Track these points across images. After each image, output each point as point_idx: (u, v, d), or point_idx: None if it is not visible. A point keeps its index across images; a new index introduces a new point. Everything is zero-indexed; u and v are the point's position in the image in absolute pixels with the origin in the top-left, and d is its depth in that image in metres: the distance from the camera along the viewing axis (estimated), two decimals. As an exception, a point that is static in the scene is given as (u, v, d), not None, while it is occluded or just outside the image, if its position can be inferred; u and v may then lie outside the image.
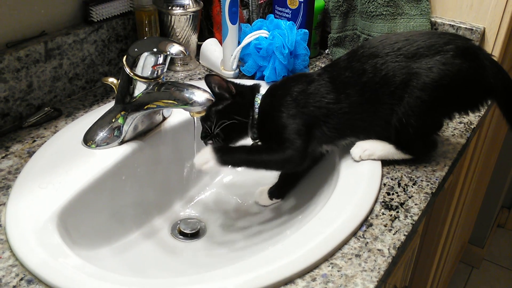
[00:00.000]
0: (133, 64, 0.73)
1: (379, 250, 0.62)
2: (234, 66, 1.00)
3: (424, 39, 0.72)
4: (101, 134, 0.76)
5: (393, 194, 0.72)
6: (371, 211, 0.68)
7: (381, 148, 0.76)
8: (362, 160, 0.75)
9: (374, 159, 0.75)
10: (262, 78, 0.97)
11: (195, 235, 0.81)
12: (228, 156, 0.69)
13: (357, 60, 0.73)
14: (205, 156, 0.68)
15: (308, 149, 0.73)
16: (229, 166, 0.73)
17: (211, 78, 0.74)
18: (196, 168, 0.68)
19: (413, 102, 0.71)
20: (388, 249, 0.62)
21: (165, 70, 0.75)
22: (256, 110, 0.75)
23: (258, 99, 0.76)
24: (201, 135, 0.76)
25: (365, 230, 0.65)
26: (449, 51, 0.71)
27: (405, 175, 0.76)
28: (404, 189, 0.73)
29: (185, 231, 0.81)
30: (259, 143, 0.77)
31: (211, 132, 0.74)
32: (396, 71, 0.71)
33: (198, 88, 0.72)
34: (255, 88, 0.78)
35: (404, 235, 0.65)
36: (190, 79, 1.01)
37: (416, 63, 0.71)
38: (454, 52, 0.71)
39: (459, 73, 0.71)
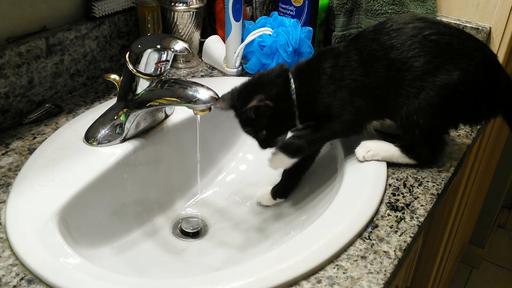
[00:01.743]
0: (136, 61, 0.72)
1: (385, 251, 0.61)
2: (237, 64, 0.99)
3: (457, 36, 0.70)
4: (103, 132, 0.75)
5: (398, 195, 0.71)
6: (377, 212, 0.67)
7: (385, 149, 0.75)
8: (366, 160, 0.74)
9: (378, 160, 0.74)
10: (265, 76, 0.96)
11: (196, 234, 0.80)
12: (295, 148, 0.72)
13: (385, 33, 0.70)
14: (279, 157, 0.73)
15: (355, 120, 0.72)
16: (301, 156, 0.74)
17: (247, 110, 0.69)
18: (275, 169, 0.75)
19: (429, 101, 0.69)
20: (394, 250, 0.61)
21: (168, 67, 0.74)
22: (294, 98, 0.71)
23: (292, 87, 0.71)
24: (260, 146, 0.73)
25: (371, 232, 0.64)
26: (476, 58, 0.69)
27: (410, 176, 0.75)
28: (409, 190, 0.72)
29: (186, 230, 0.80)
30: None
31: (265, 139, 0.72)
32: (423, 57, 0.68)
33: (202, 85, 0.71)
34: (281, 75, 0.72)
35: (410, 236, 0.64)
36: (192, 76, 1.00)
37: (443, 57, 0.68)
38: (480, 61, 0.69)
39: (478, 83, 0.70)
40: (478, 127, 0.88)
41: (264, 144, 0.73)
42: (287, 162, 0.73)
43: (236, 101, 0.71)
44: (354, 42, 0.73)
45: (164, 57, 0.72)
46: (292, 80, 0.71)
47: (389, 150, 0.75)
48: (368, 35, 0.71)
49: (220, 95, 0.72)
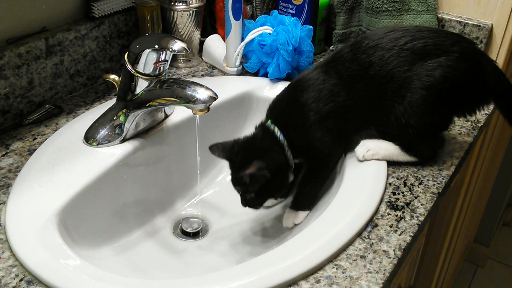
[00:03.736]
0: (134, 61, 0.72)
1: (384, 251, 0.61)
2: (238, 63, 0.98)
3: (431, 37, 0.70)
4: (102, 132, 0.75)
5: (398, 194, 0.71)
6: (377, 211, 0.67)
7: (385, 148, 0.74)
8: (366, 160, 0.74)
9: (378, 159, 0.74)
10: (265, 75, 0.96)
11: (197, 234, 0.80)
12: (304, 203, 0.76)
13: (362, 52, 0.71)
14: (299, 215, 0.75)
15: (343, 147, 0.75)
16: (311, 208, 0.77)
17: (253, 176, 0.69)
18: (289, 227, 0.76)
19: (415, 102, 0.69)
20: (394, 250, 0.61)
21: (167, 67, 0.74)
22: (285, 145, 0.72)
23: (285, 144, 0.72)
24: (242, 203, 0.74)
25: (370, 231, 0.64)
26: (455, 52, 0.69)
27: (411, 175, 0.74)
28: (410, 188, 0.72)
29: (187, 230, 0.80)
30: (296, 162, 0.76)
31: (250, 200, 0.73)
32: (402, 67, 0.69)
33: (201, 85, 0.70)
34: (270, 138, 0.73)
35: (410, 236, 0.63)
36: (192, 76, 1.00)
37: (421, 61, 0.69)
38: (459, 55, 0.69)
39: (462, 76, 0.70)
40: (480, 125, 0.88)
41: (247, 204, 0.73)
42: (299, 221, 0.75)
43: (235, 155, 0.71)
44: (333, 65, 0.73)
45: (162, 57, 0.72)
46: (281, 137, 0.72)
47: (389, 148, 0.74)
48: (346, 56, 0.72)
49: (211, 149, 0.73)
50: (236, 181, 0.72)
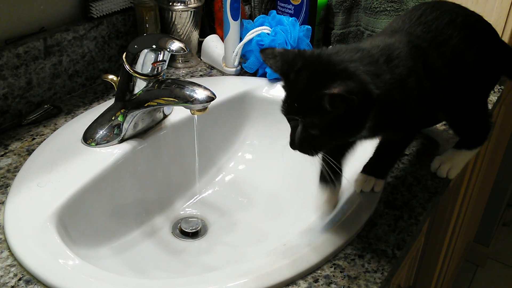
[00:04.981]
0: (132, 61, 0.72)
1: (382, 250, 0.61)
2: (236, 63, 0.99)
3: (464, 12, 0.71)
4: (101, 132, 0.75)
5: (397, 193, 0.71)
6: (375, 210, 0.67)
7: (456, 157, 0.76)
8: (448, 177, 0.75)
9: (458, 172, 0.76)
10: (264, 75, 0.96)
11: (196, 234, 0.80)
12: (385, 171, 0.69)
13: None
14: (373, 181, 0.68)
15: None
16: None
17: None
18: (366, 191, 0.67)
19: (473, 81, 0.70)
20: (392, 249, 0.61)
21: (165, 67, 0.74)
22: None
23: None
24: (294, 144, 0.56)
25: (369, 230, 0.64)
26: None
27: (409, 174, 0.74)
28: (408, 188, 0.72)
29: (186, 230, 0.80)
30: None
31: (312, 141, 0.54)
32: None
33: (199, 85, 0.71)
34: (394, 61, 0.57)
35: (408, 235, 0.63)
36: (191, 76, 1.00)
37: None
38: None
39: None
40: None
41: (301, 146, 0.55)
42: (380, 188, 0.68)
43: (293, 68, 0.53)
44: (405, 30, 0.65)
45: (160, 57, 0.72)
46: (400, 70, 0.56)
47: (459, 154, 0.76)
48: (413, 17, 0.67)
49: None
50: (295, 106, 0.52)
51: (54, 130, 0.80)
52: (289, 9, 1.04)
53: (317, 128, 0.52)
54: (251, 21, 0.99)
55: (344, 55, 0.54)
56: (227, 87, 0.94)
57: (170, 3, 0.98)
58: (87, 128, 0.76)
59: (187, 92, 0.70)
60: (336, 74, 0.51)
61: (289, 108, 0.53)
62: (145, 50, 0.70)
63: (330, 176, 0.63)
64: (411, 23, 0.66)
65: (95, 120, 0.77)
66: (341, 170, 0.65)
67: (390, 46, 0.58)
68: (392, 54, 0.57)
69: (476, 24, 0.72)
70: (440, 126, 0.86)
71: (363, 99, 0.50)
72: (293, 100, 0.53)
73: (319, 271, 0.58)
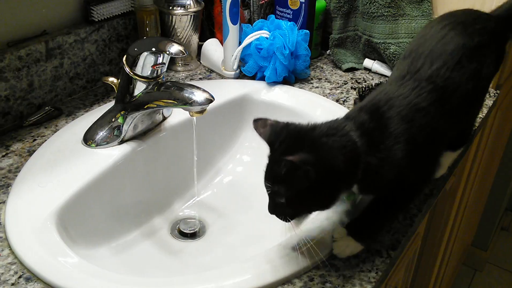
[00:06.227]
0: (133, 64, 0.73)
1: (377, 250, 0.62)
2: (235, 67, 1.00)
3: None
4: (101, 134, 0.76)
5: (392, 194, 0.72)
6: (370, 211, 0.68)
7: (443, 159, 0.76)
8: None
9: None
10: (262, 78, 0.97)
11: (194, 235, 0.81)
12: (371, 233, 0.62)
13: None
14: (351, 244, 0.60)
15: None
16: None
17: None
18: (342, 257, 0.60)
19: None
20: (386, 250, 0.62)
21: (164, 69, 0.75)
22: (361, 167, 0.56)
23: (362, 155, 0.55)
24: (269, 208, 0.57)
25: (364, 231, 0.65)
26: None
27: (405, 176, 0.75)
28: (403, 190, 0.73)
29: (184, 231, 0.81)
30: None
31: (281, 207, 0.55)
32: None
33: (198, 88, 0.72)
34: (345, 135, 0.56)
35: (402, 236, 0.64)
36: (191, 79, 1.02)
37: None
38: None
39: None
40: (474, 128, 0.89)
41: (275, 212, 0.56)
42: (357, 249, 0.60)
43: (278, 138, 0.55)
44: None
45: (160, 59, 0.73)
46: (359, 144, 0.55)
47: (444, 155, 0.76)
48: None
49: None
50: (269, 172, 0.55)
51: (55, 132, 0.81)
52: (288, 13, 1.06)
53: (283, 197, 0.54)
54: (250, 25, 1.00)
55: (324, 128, 0.56)
56: (226, 90, 0.95)
57: (170, 7, 0.99)
58: (88, 129, 0.77)
59: (186, 94, 0.71)
60: (306, 146, 0.53)
61: (265, 175, 0.56)
62: (145, 53, 0.72)
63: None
64: (416, 69, 0.63)
65: (95, 121, 0.78)
66: None
67: (381, 114, 0.59)
68: (384, 118, 0.58)
69: (490, 30, 0.67)
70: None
71: (324, 172, 0.52)
72: (269, 168, 0.55)
73: (314, 270, 0.59)
